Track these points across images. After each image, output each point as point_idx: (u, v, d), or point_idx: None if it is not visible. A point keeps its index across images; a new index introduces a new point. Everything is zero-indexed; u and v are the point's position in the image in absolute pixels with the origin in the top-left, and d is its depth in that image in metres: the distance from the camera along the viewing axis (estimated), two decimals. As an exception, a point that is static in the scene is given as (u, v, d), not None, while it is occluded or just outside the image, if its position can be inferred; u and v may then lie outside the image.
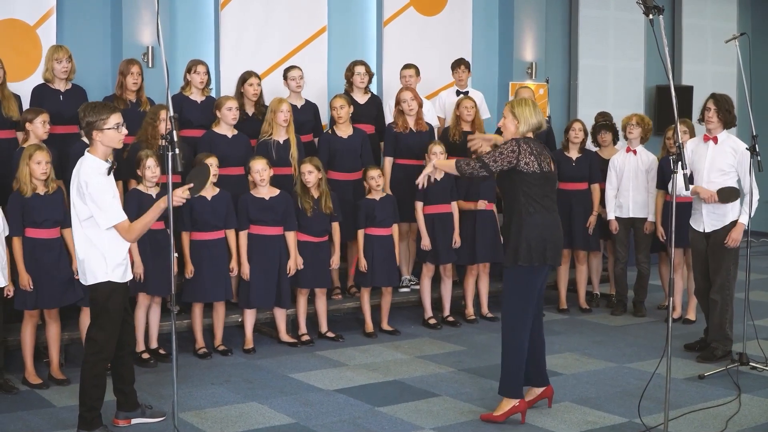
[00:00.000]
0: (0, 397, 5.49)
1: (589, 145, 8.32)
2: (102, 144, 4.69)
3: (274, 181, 6.69)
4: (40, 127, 6.07)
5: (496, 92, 9.95)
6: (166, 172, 4.27)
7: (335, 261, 7.03)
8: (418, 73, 8.07)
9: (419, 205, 7.26)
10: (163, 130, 4.46)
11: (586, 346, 6.94)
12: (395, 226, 7.21)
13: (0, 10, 7.41)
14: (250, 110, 7.43)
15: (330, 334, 7.03)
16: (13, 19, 7.46)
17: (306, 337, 6.88)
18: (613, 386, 5.87)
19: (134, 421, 5.06)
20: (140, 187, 6.11)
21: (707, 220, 6.41)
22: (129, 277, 4.88)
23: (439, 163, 5.45)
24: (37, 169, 5.60)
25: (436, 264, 7.40)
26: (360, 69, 7.85)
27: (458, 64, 8.56)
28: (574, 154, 7.94)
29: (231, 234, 6.56)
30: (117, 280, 4.74)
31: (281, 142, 7.03)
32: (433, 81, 9.10)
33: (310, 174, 6.77)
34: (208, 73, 7.27)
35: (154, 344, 6.36)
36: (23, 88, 6.95)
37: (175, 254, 4.90)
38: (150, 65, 7.83)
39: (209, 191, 6.34)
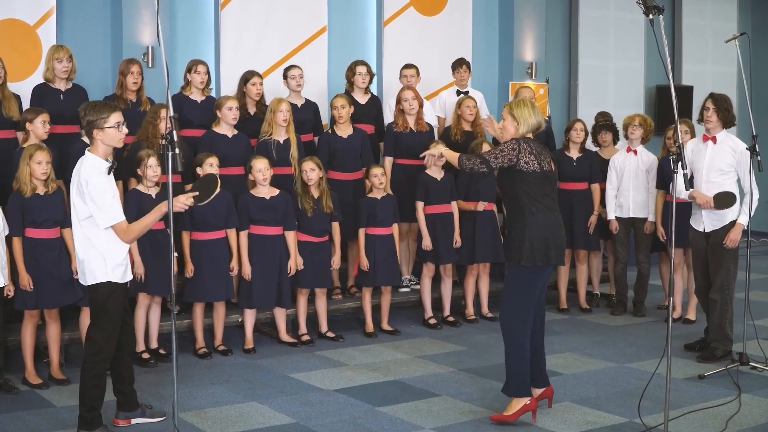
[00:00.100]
0: (0, 397, 5.49)
1: (589, 145, 8.33)
2: (103, 143, 4.69)
3: (274, 181, 6.69)
4: (40, 127, 6.07)
5: (496, 92, 9.95)
6: (166, 171, 4.27)
7: (336, 261, 7.03)
8: (418, 73, 8.07)
9: (420, 204, 7.26)
10: (164, 130, 4.46)
11: (586, 346, 6.94)
12: (395, 226, 7.21)
13: (0, 10, 7.42)
14: (252, 110, 7.43)
15: (330, 334, 7.02)
16: (13, 19, 7.47)
17: (306, 337, 6.88)
18: (613, 386, 5.87)
19: (134, 421, 5.06)
20: (140, 187, 6.11)
21: (707, 219, 6.41)
22: (129, 277, 4.87)
23: (446, 152, 5.50)
24: (37, 169, 5.59)
25: (437, 264, 7.41)
26: (361, 69, 7.85)
27: (460, 64, 8.56)
28: (574, 153, 7.94)
29: (232, 234, 6.55)
30: (117, 281, 4.74)
31: (281, 141, 7.03)
32: (433, 81, 9.10)
33: (312, 171, 6.77)
34: (208, 72, 7.27)
35: (154, 344, 6.36)
36: (23, 88, 6.95)
37: (175, 254, 4.89)
38: (150, 65, 7.84)
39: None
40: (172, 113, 4.27)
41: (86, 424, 4.75)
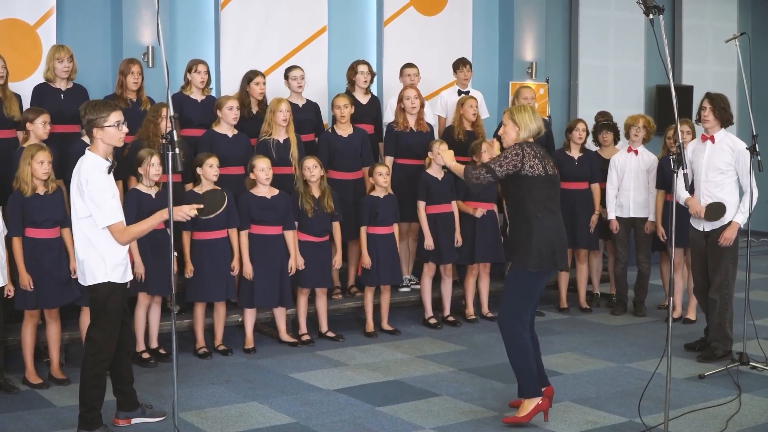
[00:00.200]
0: (0, 397, 5.49)
1: (590, 145, 8.33)
2: (103, 142, 4.69)
3: (274, 181, 6.68)
4: (40, 127, 6.07)
5: (496, 92, 9.96)
6: (166, 171, 4.27)
7: (338, 261, 7.03)
8: (418, 72, 8.07)
9: (421, 204, 7.26)
10: (164, 129, 4.46)
11: (587, 345, 6.94)
12: (396, 226, 7.21)
13: (0, 10, 7.42)
14: (254, 109, 7.42)
15: (330, 334, 7.02)
16: (13, 19, 7.47)
17: (306, 337, 6.88)
18: (614, 386, 5.87)
19: (134, 420, 5.06)
20: (140, 187, 6.10)
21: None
22: (129, 277, 4.87)
23: (454, 167, 5.41)
24: (39, 168, 5.59)
25: (438, 263, 7.40)
26: (363, 68, 7.85)
27: (462, 63, 8.55)
28: (575, 153, 7.94)
29: (233, 233, 6.55)
30: (116, 281, 4.74)
31: (281, 141, 7.03)
32: (433, 81, 9.11)
33: (315, 168, 6.77)
34: (208, 72, 7.27)
35: (154, 344, 6.35)
36: (23, 88, 6.95)
37: (175, 253, 4.89)
38: (150, 65, 7.84)
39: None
40: (172, 113, 4.27)
41: (86, 424, 4.75)
